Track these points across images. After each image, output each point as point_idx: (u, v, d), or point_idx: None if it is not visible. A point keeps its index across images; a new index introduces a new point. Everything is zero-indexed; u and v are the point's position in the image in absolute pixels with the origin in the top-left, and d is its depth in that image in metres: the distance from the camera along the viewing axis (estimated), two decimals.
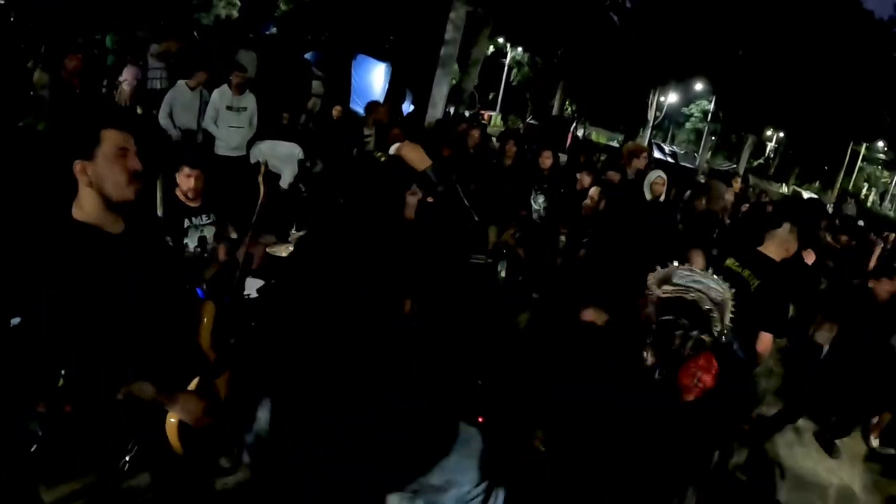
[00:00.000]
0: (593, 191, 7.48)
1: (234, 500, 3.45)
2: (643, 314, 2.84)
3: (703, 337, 2.69)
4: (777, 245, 4.76)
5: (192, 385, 2.69)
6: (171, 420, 2.54)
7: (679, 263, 2.87)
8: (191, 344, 2.73)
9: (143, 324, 2.38)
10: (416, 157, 2.77)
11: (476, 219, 2.80)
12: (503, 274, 6.81)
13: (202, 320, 2.82)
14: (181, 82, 8.75)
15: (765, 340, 4.52)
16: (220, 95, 8.48)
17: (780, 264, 4.74)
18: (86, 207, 2.35)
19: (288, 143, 9.11)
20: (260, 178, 4.95)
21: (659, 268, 2.85)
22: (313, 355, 2.45)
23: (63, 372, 2.19)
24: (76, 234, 2.30)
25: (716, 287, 2.78)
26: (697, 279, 2.79)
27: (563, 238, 7.43)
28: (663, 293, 2.74)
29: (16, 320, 2.05)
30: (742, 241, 5.24)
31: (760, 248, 4.82)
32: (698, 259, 4.50)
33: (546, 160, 8.29)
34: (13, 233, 2.21)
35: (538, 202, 7.90)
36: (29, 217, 2.29)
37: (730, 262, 4.83)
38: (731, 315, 2.79)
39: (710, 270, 2.86)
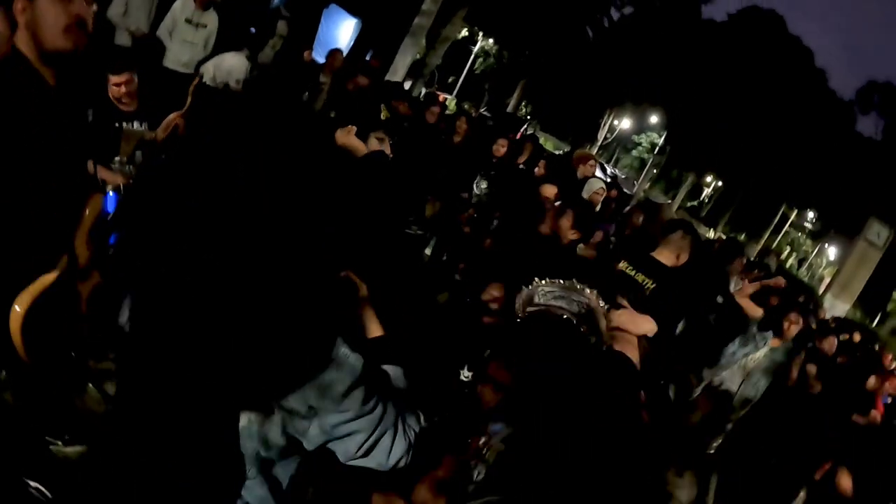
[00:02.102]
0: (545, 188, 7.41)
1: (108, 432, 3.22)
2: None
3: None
4: (670, 251, 4.84)
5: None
6: (17, 308, 2.18)
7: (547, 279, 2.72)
8: (70, 234, 2.49)
9: (41, 191, 2.14)
10: (355, 145, 2.91)
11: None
12: (428, 252, 6.72)
13: (84, 212, 2.58)
14: None
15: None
16: (182, 6, 8.12)
17: (671, 270, 4.81)
18: (23, 49, 2.12)
19: (234, 53, 8.62)
20: (190, 89, 4.81)
21: (524, 288, 2.71)
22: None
23: None
24: (16, 64, 2.09)
25: (578, 299, 2.62)
26: (559, 294, 2.64)
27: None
28: (530, 311, 2.60)
29: None
30: (635, 247, 5.31)
31: (653, 254, 4.89)
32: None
33: (500, 148, 8.24)
34: None
35: (480, 187, 7.82)
36: None
37: (622, 265, 4.93)
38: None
39: (574, 280, 2.70)
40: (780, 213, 48.57)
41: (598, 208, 7.76)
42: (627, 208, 9.37)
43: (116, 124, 4.88)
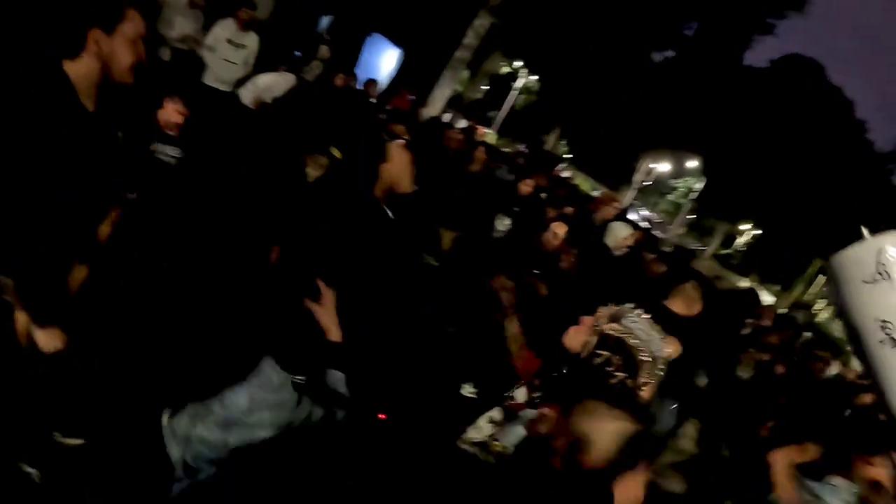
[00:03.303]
0: (556, 226, 7.30)
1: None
2: (573, 339, 2.81)
3: (627, 381, 2.68)
4: (682, 301, 4.67)
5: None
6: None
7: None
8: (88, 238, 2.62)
9: (69, 204, 2.29)
10: (403, 177, 2.89)
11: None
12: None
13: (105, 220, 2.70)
14: None
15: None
16: (223, 27, 8.37)
17: (684, 319, 4.62)
18: (81, 73, 2.26)
19: (272, 73, 8.72)
20: None
21: (613, 304, 2.84)
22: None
23: None
24: (62, 86, 2.22)
25: (658, 343, 2.77)
26: (645, 328, 2.78)
27: None
28: (608, 329, 2.73)
29: None
30: (650, 295, 5.24)
31: (666, 303, 4.80)
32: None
33: (525, 187, 8.24)
34: None
35: (503, 224, 7.78)
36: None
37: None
38: (658, 373, 2.77)
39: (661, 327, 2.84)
40: (817, 265, 47.88)
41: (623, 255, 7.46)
42: (652, 256, 8.83)
43: (151, 147, 5.02)
